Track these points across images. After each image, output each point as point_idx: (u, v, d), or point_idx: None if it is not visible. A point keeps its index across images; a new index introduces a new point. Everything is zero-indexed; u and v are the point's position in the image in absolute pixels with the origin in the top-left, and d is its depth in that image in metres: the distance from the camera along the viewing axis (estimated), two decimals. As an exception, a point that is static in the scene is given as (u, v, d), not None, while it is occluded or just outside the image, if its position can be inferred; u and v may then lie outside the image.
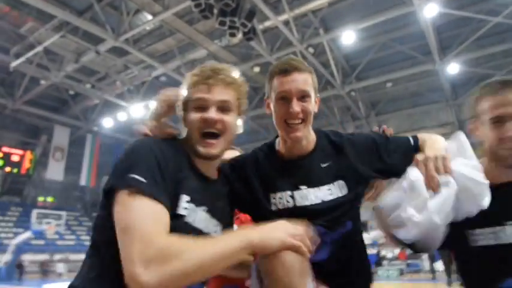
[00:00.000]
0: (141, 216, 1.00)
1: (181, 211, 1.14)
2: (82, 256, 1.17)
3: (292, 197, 1.40)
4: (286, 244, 1.03)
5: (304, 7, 12.91)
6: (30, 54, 15.35)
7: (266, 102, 1.52)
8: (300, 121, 1.39)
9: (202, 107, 1.25)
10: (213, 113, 1.24)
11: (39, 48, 14.94)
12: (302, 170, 1.43)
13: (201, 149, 1.24)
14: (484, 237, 1.29)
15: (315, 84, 1.46)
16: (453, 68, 15.91)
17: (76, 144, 23.94)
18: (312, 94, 1.42)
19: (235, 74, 1.35)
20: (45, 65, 16.45)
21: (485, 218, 1.24)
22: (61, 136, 23.07)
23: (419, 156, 1.29)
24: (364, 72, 18.01)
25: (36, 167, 25.20)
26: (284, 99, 1.39)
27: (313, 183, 1.40)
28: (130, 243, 0.96)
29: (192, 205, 1.18)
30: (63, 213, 23.87)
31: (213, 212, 1.27)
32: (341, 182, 1.41)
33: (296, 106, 1.36)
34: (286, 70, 1.39)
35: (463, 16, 13.55)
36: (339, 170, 1.42)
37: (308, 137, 1.46)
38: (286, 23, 13.34)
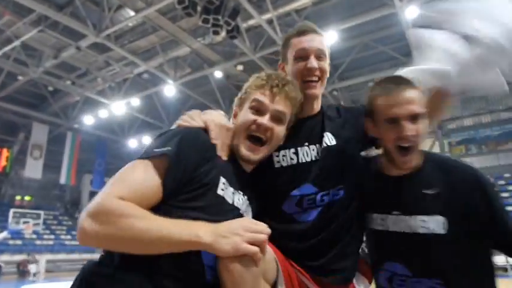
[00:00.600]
0: (120, 178, 1.08)
1: (219, 191, 1.19)
2: (61, 256, 1.17)
3: (296, 153, 1.43)
4: (239, 251, 0.98)
5: (288, 6, 12.95)
6: (7, 48, 14.90)
7: (280, 67, 1.57)
8: (317, 78, 1.43)
9: (259, 110, 1.30)
10: (266, 120, 1.28)
11: (16, 43, 14.51)
12: (307, 129, 1.47)
13: (244, 151, 1.28)
14: (375, 222, 1.38)
15: (329, 50, 1.53)
16: (432, 69, 16.22)
17: (55, 142, 23.39)
18: (327, 57, 1.49)
19: (297, 90, 1.39)
20: (23, 60, 16.01)
21: (378, 205, 1.35)
22: (39, 133, 22.50)
23: None
24: (346, 72, 18.21)
25: (14, 165, 24.54)
26: (302, 58, 1.44)
27: (313, 141, 1.45)
28: (98, 194, 1.05)
29: (227, 184, 1.22)
30: (42, 212, 23.36)
31: (250, 200, 1.31)
32: (332, 137, 1.47)
33: (314, 62, 1.42)
34: (304, 31, 1.48)
35: (442, 18, 13.86)
36: (339, 129, 1.48)
37: (319, 99, 1.52)
38: (269, 21, 13.35)
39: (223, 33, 11.64)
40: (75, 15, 13.06)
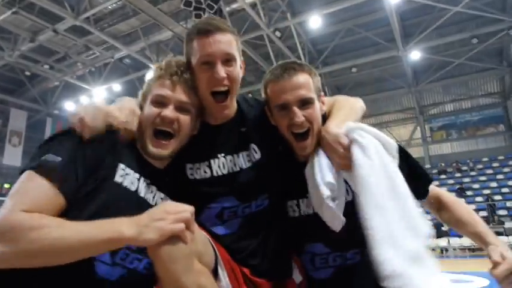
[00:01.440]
0: (18, 192, 0.99)
1: (118, 178, 1.13)
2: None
3: (209, 166, 1.31)
4: (165, 234, 0.95)
5: (272, -10, 12.80)
6: (-20, 31, 14.37)
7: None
8: (226, 88, 1.26)
9: (162, 102, 1.22)
10: (170, 111, 1.21)
11: (-10, 26, 14.00)
12: (221, 138, 1.34)
13: (151, 148, 1.21)
14: (290, 209, 1.36)
15: (239, 47, 1.33)
16: (415, 55, 16.41)
17: (34, 129, 22.82)
18: (238, 58, 1.29)
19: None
20: (-2, 43, 15.46)
21: (291, 192, 1.34)
22: (18, 120, 21.91)
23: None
24: (330, 58, 18.23)
25: (-9, 152, 23.95)
26: (207, 64, 1.24)
27: (230, 151, 1.33)
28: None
29: (128, 170, 1.16)
30: (22, 200, 22.93)
31: (158, 187, 1.25)
32: (255, 146, 1.33)
33: (221, 71, 1.23)
34: (207, 30, 1.23)
35: (425, 4, 13.92)
36: (255, 135, 1.35)
37: (232, 107, 1.36)
38: (253, 5, 13.18)
39: (205, 17, 11.43)
40: (51, -4, 12.61)
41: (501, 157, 20.76)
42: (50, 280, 0.98)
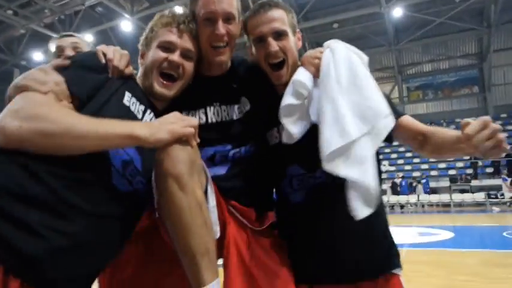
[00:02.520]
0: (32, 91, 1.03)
1: (126, 102, 1.21)
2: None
3: (205, 113, 1.43)
4: (176, 135, 1.03)
5: None
6: None
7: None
8: (224, 44, 1.38)
9: (169, 48, 1.31)
10: (177, 57, 1.31)
11: None
12: (216, 88, 1.46)
13: (158, 88, 1.30)
14: (274, 136, 1.45)
15: (239, 7, 1.42)
16: (397, 12, 16.18)
17: (1, 80, 21.73)
18: (237, 16, 1.40)
19: None
20: (-45, -15, 14.21)
21: (271, 121, 1.42)
22: (-18, 70, 20.73)
23: None
24: (311, 12, 17.76)
25: (-44, 104, 22.79)
26: (209, 20, 1.36)
27: (224, 101, 1.44)
28: (14, 101, 1.00)
29: (135, 100, 1.24)
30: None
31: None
32: (245, 100, 1.46)
33: (222, 28, 1.35)
34: None
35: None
36: (246, 90, 1.47)
37: (228, 60, 1.47)
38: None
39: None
40: None
41: (473, 118, 21.20)
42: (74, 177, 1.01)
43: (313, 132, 1.27)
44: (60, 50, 1.95)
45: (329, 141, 1.17)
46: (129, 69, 1.28)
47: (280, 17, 1.38)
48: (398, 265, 1.36)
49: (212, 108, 1.43)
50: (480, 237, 8.47)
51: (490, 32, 18.77)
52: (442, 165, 19.16)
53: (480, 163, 18.46)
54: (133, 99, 1.24)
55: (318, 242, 1.36)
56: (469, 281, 4.38)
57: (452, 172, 18.36)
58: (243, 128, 1.43)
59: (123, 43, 19.86)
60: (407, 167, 19.95)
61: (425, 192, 16.85)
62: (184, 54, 1.33)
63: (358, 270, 1.32)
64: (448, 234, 8.29)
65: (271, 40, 1.36)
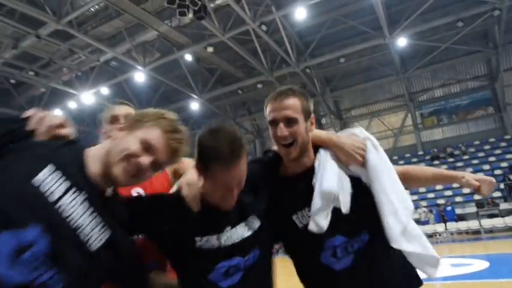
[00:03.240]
0: None
1: (35, 181, 1.01)
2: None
3: (218, 239, 1.45)
4: None
5: (255, -16, 12.67)
6: (-39, 41, 14.05)
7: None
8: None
9: (148, 149, 1.22)
10: (148, 161, 1.21)
11: (-29, 35, 13.69)
12: (227, 214, 1.50)
13: (121, 176, 1.18)
14: (298, 220, 1.56)
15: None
16: (401, 42, 16.42)
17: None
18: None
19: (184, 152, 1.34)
20: (-20, 52, 15.13)
21: (293, 206, 1.57)
22: (5, 129, 21.53)
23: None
24: (317, 49, 18.17)
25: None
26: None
27: (235, 223, 1.51)
28: None
29: (62, 180, 1.06)
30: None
31: (107, 226, 1.15)
32: (255, 217, 1.54)
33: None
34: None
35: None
36: (253, 206, 1.57)
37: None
38: (238, 0, 13.05)
39: (190, 14, 11.28)
40: (32, 1, 12.35)
41: (492, 139, 20.94)
42: None
43: (352, 201, 1.49)
44: (115, 119, 1.84)
45: (392, 227, 1.44)
46: (64, 132, 1.19)
47: (293, 106, 1.54)
48: None
49: (224, 233, 1.44)
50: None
51: (498, 52, 18.79)
52: (467, 191, 18.58)
53: (507, 186, 17.83)
54: (57, 173, 1.06)
55: None
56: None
57: (477, 197, 17.74)
58: (252, 242, 1.48)
59: (137, 93, 20.53)
60: (431, 195, 19.40)
61: (452, 220, 16.26)
62: (155, 166, 1.23)
63: None
64: (482, 264, 7.87)
65: (282, 126, 1.52)
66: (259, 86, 20.29)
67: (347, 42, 17.74)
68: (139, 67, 16.48)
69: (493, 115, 21.41)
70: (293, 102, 1.54)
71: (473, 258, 8.77)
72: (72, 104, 19.06)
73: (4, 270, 0.87)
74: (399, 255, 1.48)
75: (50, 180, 1.03)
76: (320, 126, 22.23)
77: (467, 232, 15.96)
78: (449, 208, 16.85)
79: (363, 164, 1.53)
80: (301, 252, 1.61)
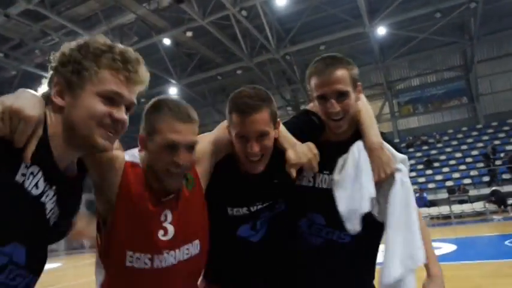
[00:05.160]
0: None
1: (18, 178, 0.91)
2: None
3: (248, 210, 1.52)
4: None
5: (236, -32, 12.48)
6: None
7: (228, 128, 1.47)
8: (259, 157, 1.40)
9: (113, 100, 1.04)
10: (123, 114, 1.05)
11: None
12: (257, 187, 1.52)
13: (100, 140, 1.03)
14: (306, 179, 1.57)
15: (276, 115, 1.44)
16: (381, 31, 16.58)
17: (-6, 121, 21.69)
18: (272, 128, 1.41)
19: (147, 73, 1.14)
20: None
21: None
22: (-26, 112, 20.73)
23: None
24: (298, 36, 18.14)
25: None
26: (242, 137, 1.39)
27: (266, 199, 1.55)
28: None
29: (34, 169, 0.95)
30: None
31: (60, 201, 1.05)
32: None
33: (255, 146, 1.36)
34: (243, 110, 1.36)
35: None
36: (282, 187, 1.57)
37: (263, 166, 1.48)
38: (217, -16, 12.85)
39: None
40: (1, -21, 11.80)
41: (465, 128, 21.60)
42: None
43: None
44: None
45: (394, 271, 1.33)
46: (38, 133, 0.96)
47: (343, 78, 1.43)
48: None
49: (255, 206, 1.49)
50: (482, 248, 8.40)
51: (473, 44, 19.24)
52: (439, 177, 19.19)
53: (476, 172, 18.52)
54: (32, 168, 0.94)
55: (322, 281, 1.53)
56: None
57: (449, 183, 18.37)
58: (278, 201, 1.54)
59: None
60: (405, 182, 19.90)
61: (424, 206, 16.80)
62: (128, 109, 1.07)
63: None
64: (450, 247, 8.21)
65: (333, 102, 1.43)
66: (239, 72, 20.18)
67: (327, 29, 17.77)
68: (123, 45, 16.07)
69: (467, 105, 22.04)
70: (342, 73, 1.43)
71: (442, 242, 9.12)
72: (46, 88, 18.45)
73: None
74: None
75: (28, 176, 0.94)
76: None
77: (438, 217, 16.54)
78: (417, 194, 17.39)
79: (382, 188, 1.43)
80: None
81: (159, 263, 1.24)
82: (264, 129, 1.36)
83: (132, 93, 1.07)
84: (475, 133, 21.20)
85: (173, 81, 19.30)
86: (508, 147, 18.98)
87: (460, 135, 21.46)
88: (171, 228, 1.25)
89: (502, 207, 14.88)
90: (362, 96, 1.57)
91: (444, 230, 13.39)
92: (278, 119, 1.46)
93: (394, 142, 1.57)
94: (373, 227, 1.43)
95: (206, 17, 14.40)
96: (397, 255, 1.33)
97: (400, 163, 1.43)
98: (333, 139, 1.55)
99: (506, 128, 20.55)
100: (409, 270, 1.33)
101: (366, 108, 1.59)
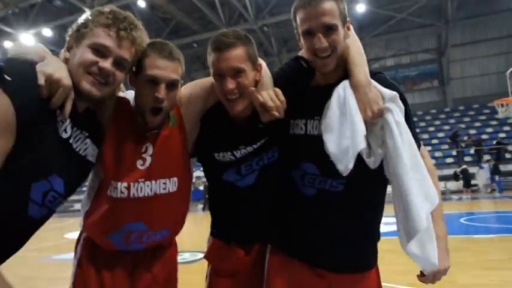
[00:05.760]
0: None
1: (63, 134, 1.16)
2: None
3: (233, 155, 1.51)
4: None
5: None
6: None
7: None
8: (237, 96, 1.38)
9: (101, 52, 1.20)
10: (109, 64, 1.20)
11: None
12: (240, 132, 1.51)
13: (86, 86, 1.19)
14: (297, 127, 1.48)
15: (254, 53, 1.42)
16: (360, 8, 16.54)
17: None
18: (250, 66, 1.39)
19: (144, 35, 1.31)
20: None
21: (302, 111, 1.46)
22: None
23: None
24: (277, 8, 17.82)
25: None
26: (219, 75, 1.37)
27: (251, 143, 1.51)
28: None
29: (76, 130, 1.22)
30: None
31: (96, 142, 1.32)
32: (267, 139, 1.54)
33: (230, 83, 1.35)
34: (218, 48, 1.36)
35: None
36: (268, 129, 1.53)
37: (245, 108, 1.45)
38: None
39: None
40: None
41: (433, 111, 22.28)
42: None
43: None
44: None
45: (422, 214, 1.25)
46: (70, 102, 1.16)
47: (330, 10, 1.31)
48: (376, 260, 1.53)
49: (238, 151, 1.48)
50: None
51: (448, 28, 19.57)
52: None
53: (441, 154, 19.29)
54: (72, 128, 1.21)
55: (317, 234, 1.46)
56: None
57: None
58: (266, 147, 1.50)
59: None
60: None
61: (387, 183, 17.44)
62: (118, 63, 1.21)
63: (349, 264, 1.45)
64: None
65: (320, 36, 1.32)
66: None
67: (307, 3, 17.55)
68: (86, 9, 15.29)
69: (437, 88, 22.65)
70: (330, 5, 1.32)
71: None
72: (7, 44, 17.47)
73: (38, 209, 1.14)
74: None
75: (72, 133, 1.21)
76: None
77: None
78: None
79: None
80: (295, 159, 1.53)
81: (136, 192, 1.33)
82: (239, 66, 1.35)
83: (121, 49, 1.21)
84: (442, 116, 21.94)
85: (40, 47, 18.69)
86: (472, 131, 19.80)
87: (428, 117, 22.14)
88: (149, 160, 1.36)
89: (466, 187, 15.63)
90: (352, 33, 1.46)
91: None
92: (260, 62, 1.44)
93: (390, 82, 1.45)
94: (365, 175, 1.36)
95: (184, -19, 13.86)
96: (418, 201, 1.25)
97: (391, 102, 1.33)
98: (322, 83, 1.46)
99: (471, 113, 21.37)
100: (430, 208, 1.28)
101: (355, 45, 1.48)
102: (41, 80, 1.05)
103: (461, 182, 15.89)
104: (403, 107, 1.36)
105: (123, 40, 1.20)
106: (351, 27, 1.44)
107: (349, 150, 1.29)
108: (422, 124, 21.74)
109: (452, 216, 9.44)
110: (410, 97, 23.27)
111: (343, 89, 1.36)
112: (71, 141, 1.21)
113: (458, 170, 16.18)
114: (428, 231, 1.30)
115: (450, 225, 8.15)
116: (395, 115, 1.31)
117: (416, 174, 1.28)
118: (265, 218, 1.55)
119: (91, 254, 1.41)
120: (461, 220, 8.51)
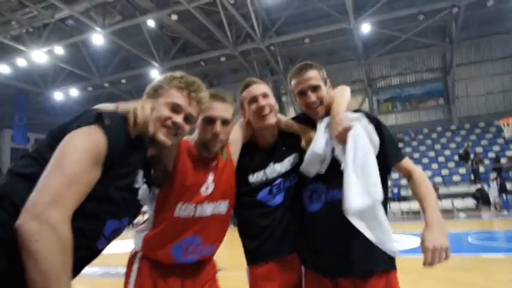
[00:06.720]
0: (65, 170, 1.11)
1: (136, 185, 1.39)
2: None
3: (264, 173, 1.92)
4: None
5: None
6: None
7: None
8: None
9: (175, 109, 1.46)
10: (181, 119, 1.46)
11: None
12: (270, 153, 1.98)
13: (162, 137, 1.43)
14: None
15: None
16: (365, 28, 16.77)
17: (-35, 93, 20.89)
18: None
19: (208, 96, 1.63)
20: None
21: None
22: None
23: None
24: (283, 27, 18.13)
25: None
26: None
27: (278, 161, 1.97)
28: (42, 189, 1.08)
29: (143, 180, 1.44)
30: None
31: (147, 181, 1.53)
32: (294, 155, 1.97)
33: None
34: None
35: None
36: (291, 150, 1.98)
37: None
38: (206, -31, 12.65)
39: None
40: None
41: (439, 129, 22.25)
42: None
43: (335, 165, 1.72)
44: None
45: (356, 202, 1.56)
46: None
47: (314, 76, 1.86)
48: (393, 263, 1.78)
49: (269, 168, 1.90)
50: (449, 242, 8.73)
51: (452, 48, 19.73)
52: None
53: (447, 172, 19.16)
54: (140, 176, 1.42)
55: (329, 243, 1.74)
56: (436, 285, 4.57)
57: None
58: (292, 171, 1.92)
59: (95, 57, 19.59)
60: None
61: (395, 200, 17.32)
62: (187, 118, 1.49)
63: (362, 267, 1.68)
64: (418, 241, 8.51)
65: (310, 93, 1.85)
66: (223, 59, 20.03)
67: (313, 23, 17.84)
68: (98, 28, 15.68)
69: (443, 106, 22.67)
70: (313, 73, 1.87)
71: (414, 235, 9.45)
72: (21, 62, 17.88)
73: (105, 243, 1.34)
74: None
75: (141, 183, 1.44)
76: (280, 103, 22.44)
77: (408, 212, 17.09)
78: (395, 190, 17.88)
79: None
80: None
81: (201, 211, 1.67)
82: (265, 91, 1.91)
83: (191, 107, 1.50)
84: (448, 134, 21.88)
85: (155, 64, 18.99)
86: (478, 149, 19.70)
87: (434, 135, 22.10)
88: (211, 185, 1.71)
89: (490, 206, 15.43)
90: (341, 87, 1.98)
91: (414, 224, 13.87)
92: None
93: (369, 114, 1.85)
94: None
95: (192, 1, 14.20)
96: (353, 189, 1.56)
97: (355, 121, 1.71)
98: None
99: (477, 131, 21.30)
100: (370, 201, 1.55)
101: (339, 90, 1.96)
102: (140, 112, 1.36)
103: (468, 200, 15.73)
104: (368, 125, 1.71)
105: (192, 100, 1.50)
106: (331, 86, 1.96)
107: (315, 155, 1.76)
108: (428, 142, 21.67)
109: (460, 234, 9.34)
110: (416, 115, 23.30)
111: (324, 122, 1.84)
112: (137, 186, 1.42)
113: (475, 189, 16.08)
114: (376, 220, 1.59)
115: (458, 244, 8.06)
116: (356, 130, 1.67)
117: (357, 171, 1.59)
118: (288, 230, 1.85)
119: (147, 269, 1.66)
120: (469, 239, 8.42)
